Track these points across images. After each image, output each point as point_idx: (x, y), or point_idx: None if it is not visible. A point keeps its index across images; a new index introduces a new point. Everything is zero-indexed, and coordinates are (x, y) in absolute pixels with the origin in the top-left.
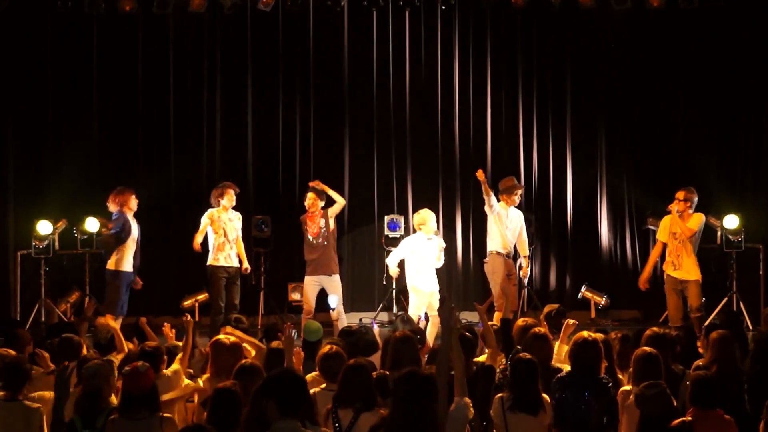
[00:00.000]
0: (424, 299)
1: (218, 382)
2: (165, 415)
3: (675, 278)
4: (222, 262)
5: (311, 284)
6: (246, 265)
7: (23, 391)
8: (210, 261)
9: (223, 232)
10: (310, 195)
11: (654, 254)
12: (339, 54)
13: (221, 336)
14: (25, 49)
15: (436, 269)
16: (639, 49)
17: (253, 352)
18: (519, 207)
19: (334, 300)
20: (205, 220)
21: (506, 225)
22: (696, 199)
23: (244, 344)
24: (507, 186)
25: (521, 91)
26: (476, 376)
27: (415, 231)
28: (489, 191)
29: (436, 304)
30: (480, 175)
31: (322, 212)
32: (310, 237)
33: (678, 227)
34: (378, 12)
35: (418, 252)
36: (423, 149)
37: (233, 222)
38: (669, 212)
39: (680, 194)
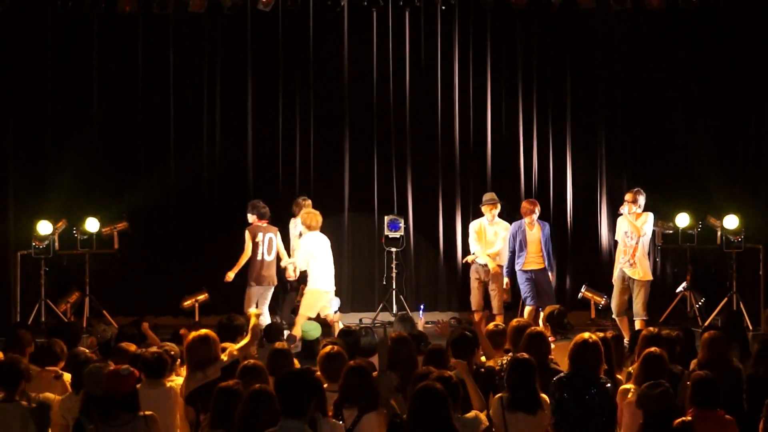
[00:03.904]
0: (323, 300)
1: (195, 378)
2: (146, 413)
3: (629, 276)
4: None
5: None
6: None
7: (20, 391)
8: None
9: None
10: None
11: (618, 254)
12: (339, 54)
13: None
14: (25, 49)
15: None
16: (639, 49)
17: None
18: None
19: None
20: None
21: None
22: (643, 199)
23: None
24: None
25: (521, 91)
26: (476, 376)
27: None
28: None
29: (330, 306)
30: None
31: None
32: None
33: (631, 226)
34: (378, 12)
35: (323, 252)
36: (423, 149)
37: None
38: (620, 214)
39: (628, 196)
